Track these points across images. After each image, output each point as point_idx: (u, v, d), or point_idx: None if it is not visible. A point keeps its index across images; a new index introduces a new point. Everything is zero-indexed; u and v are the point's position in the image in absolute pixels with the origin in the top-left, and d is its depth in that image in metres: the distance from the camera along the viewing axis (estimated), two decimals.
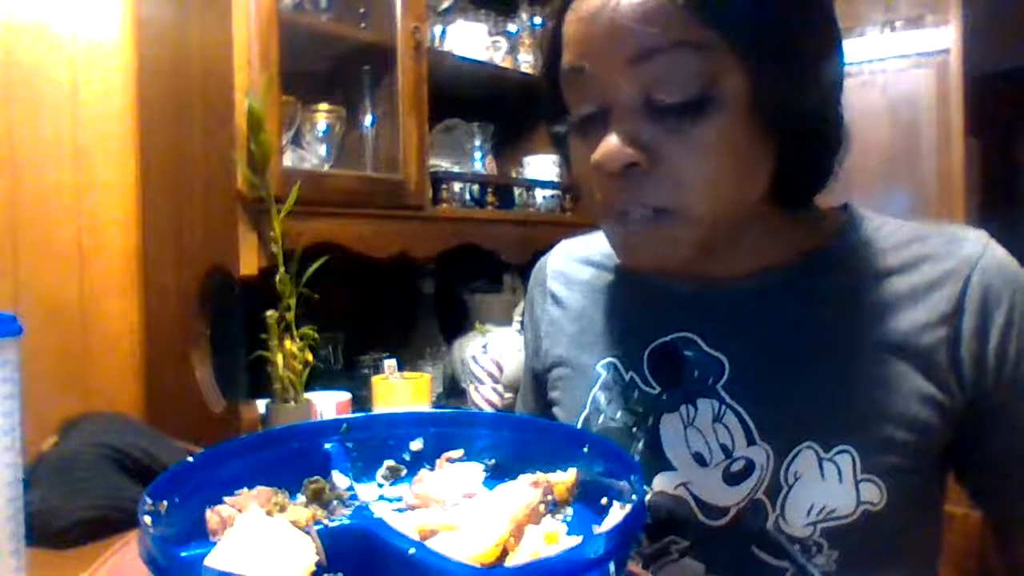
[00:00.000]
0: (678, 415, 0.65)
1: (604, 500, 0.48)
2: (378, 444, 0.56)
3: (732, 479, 0.62)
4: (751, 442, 0.62)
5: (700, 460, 0.64)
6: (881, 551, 0.61)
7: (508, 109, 1.95)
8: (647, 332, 0.69)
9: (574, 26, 0.57)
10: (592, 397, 0.71)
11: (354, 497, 0.48)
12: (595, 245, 0.80)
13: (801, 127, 0.58)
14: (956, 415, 0.61)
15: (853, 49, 2.27)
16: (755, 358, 0.64)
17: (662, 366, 0.68)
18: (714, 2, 0.52)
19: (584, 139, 0.59)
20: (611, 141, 0.55)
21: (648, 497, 0.65)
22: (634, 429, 0.67)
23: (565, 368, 0.76)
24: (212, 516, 0.45)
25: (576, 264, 0.80)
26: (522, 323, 1.73)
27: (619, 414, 0.68)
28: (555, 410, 0.76)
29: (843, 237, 0.65)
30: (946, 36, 2.23)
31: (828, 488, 0.59)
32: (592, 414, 0.70)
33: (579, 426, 0.71)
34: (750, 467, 0.61)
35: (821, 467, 0.59)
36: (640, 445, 0.66)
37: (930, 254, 0.62)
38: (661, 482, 0.65)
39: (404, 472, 0.56)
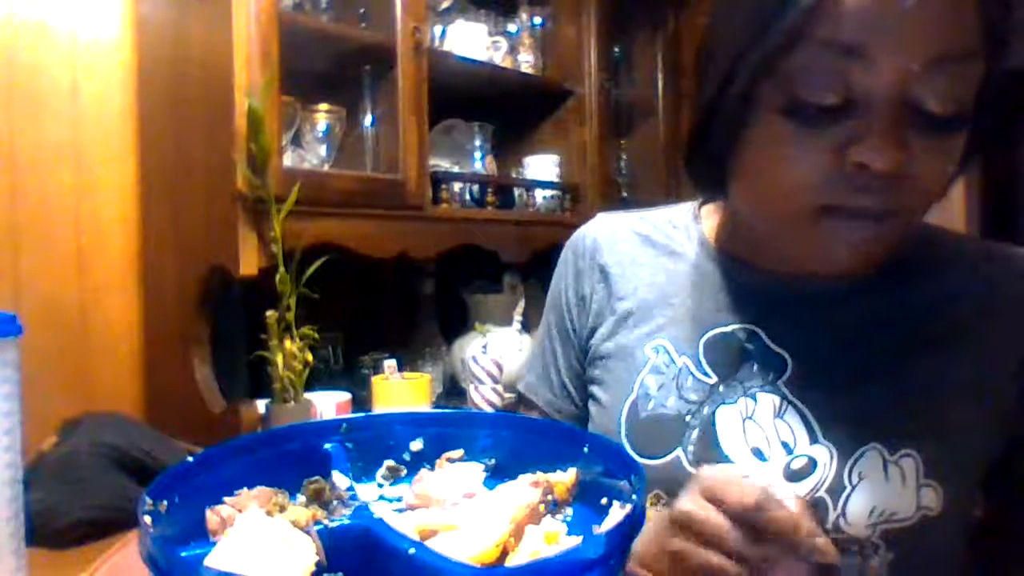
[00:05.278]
0: (736, 408, 0.65)
1: (604, 500, 0.48)
2: (378, 444, 0.56)
3: (793, 476, 0.62)
4: (814, 441, 0.62)
5: (759, 455, 0.63)
6: (933, 557, 0.62)
7: (508, 109, 1.95)
8: (704, 319, 0.68)
9: (863, 1, 0.50)
10: (640, 381, 0.69)
11: (354, 497, 0.48)
12: (648, 223, 0.77)
13: (979, 141, 0.59)
14: (1010, 431, 0.62)
15: None
16: (820, 359, 0.64)
17: (719, 356, 0.67)
18: (996, 12, 0.51)
19: (810, 128, 0.54)
20: (882, 139, 0.51)
21: None
22: (688, 418, 0.66)
23: (610, 345, 0.73)
24: (212, 516, 0.45)
25: (630, 241, 0.77)
26: (522, 319, 1.72)
27: (671, 401, 0.67)
28: (597, 391, 0.74)
29: (912, 245, 0.66)
30: None
31: (891, 490, 0.59)
32: (641, 399, 0.69)
33: (626, 411, 0.69)
34: (812, 465, 0.61)
35: (886, 469, 0.60)
36: (695, 435, 0.65)
37: (996, 273, 0.64)
38: None
39: (404, 472, 0.56)
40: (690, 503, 0.52)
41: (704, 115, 0.61)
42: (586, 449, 0.51)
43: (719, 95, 0.58)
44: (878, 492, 0.60)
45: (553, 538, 0.44)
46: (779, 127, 0.55)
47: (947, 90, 0.52)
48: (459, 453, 0.56)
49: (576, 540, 0.43)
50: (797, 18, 0.51)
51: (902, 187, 0.53)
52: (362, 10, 1.50)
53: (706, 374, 0.67)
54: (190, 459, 0.47)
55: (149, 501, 0.42)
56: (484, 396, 1.54)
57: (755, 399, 0.64)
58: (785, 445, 0.63)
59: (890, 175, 0.52)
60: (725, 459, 0.64)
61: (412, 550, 0.39)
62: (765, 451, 0.63)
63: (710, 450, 0.64)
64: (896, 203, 0.54)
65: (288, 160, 1.37)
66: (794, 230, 0.58)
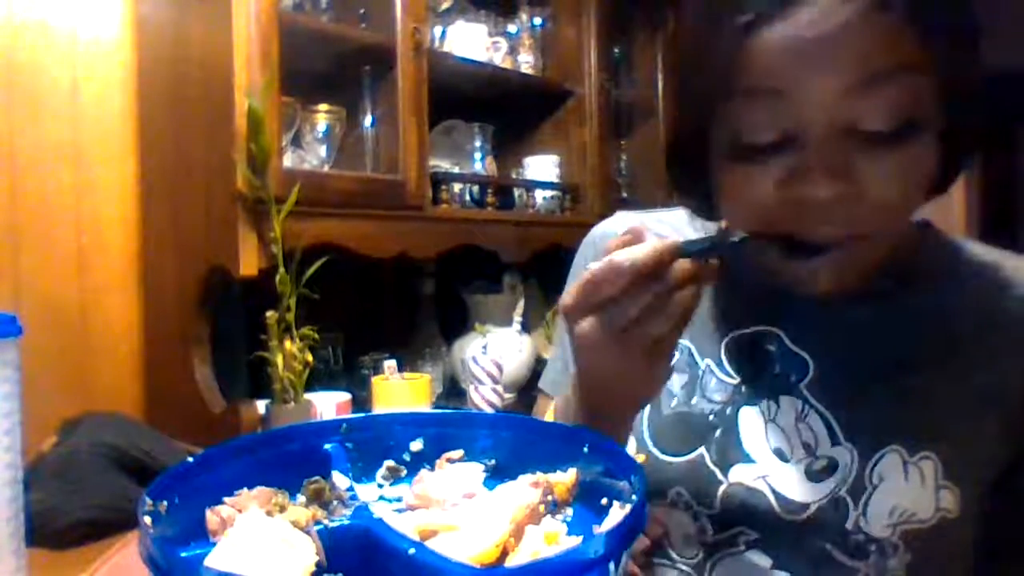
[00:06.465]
0: (758, 410, 0.65)
1: (604, 500, 0.48)
2: (378, 444, 0.56)
3: (814, 476, 0.62)
4: (835, 443, 0.62)
5: (781, 456, 0.64)
6: (949, 559, 0.62)
7: (508, 109, 1.95)
8: (726, 321, 0.69)
9: (775, 45, 0.51)
10: None
11: (354, 497, 0.48)
12: (667, 225, 0.78)
13: (967, 140, 0.59)
14: (1019, 439, 0.63)
15: None
16: (841, 362, 0.64)
17: (741, 358, 0.68)
18: (935, 19, 0.50)
19: (756, 165, 0.55)
20: (819, 171, 0.52)
21: (724, 488, 0.65)
22: (711, 417, 0.67)
23: None
24: (212, 516, 0.45)
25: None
26: (522, 319, 1.72)
27: (695, 400, 0.68)
28: None
29: (926, 251, 0.67)
30: None
31: (911, 491, 0.60)
32: (664, 397, 0.69)
33: (648, 408, 0.69)
34: (833, 466, 0.62)
35: (906, 470, 0.60)
36: (717, 434, 0.66)
37: (1010, 281, 0.65)
38: (738, 474, 0.64)
39: (404, 472, 0.56)
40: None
41: (672, 160, 0.64)
42: (586, 449, 0.51)
43: (680, 144, 0.61)
44: (898, 493, 0.60)
45: (553, 538, 0.44)
46: (731, 169, 0.57)
47: (883, 106, 0.51)
48: (459, 453, 0.56)
49: (576, 540, 0.43)
50: (720, 71, 0.53)
51: (855, 209, 0.53)
52: (362, 10, 1.50)
53: (728, 375, 0.67)
54: (190, 459, 0.47)
55: (149, 501, 0.42)
56: (484, 396, 1.54)
57: (777, 402, 0.65)
58: (807, 447, 0.63)
59: (838, 202, 0.52)
60: (747, 458, 0.65)
61: (412, 550, 0.39)
62: (787, 452, 0.64)
63: (732, 449, 0.65)
64: (853, 225, 0.54)
65: (288, 160, 1.37)
66: (769, 258, 0.59)
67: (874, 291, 0.65)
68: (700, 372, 0.68)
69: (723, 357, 0.68)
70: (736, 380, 0.67)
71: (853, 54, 0.50)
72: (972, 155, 0.62)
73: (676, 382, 0.69)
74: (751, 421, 0.65)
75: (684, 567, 0.67)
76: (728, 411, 0.66)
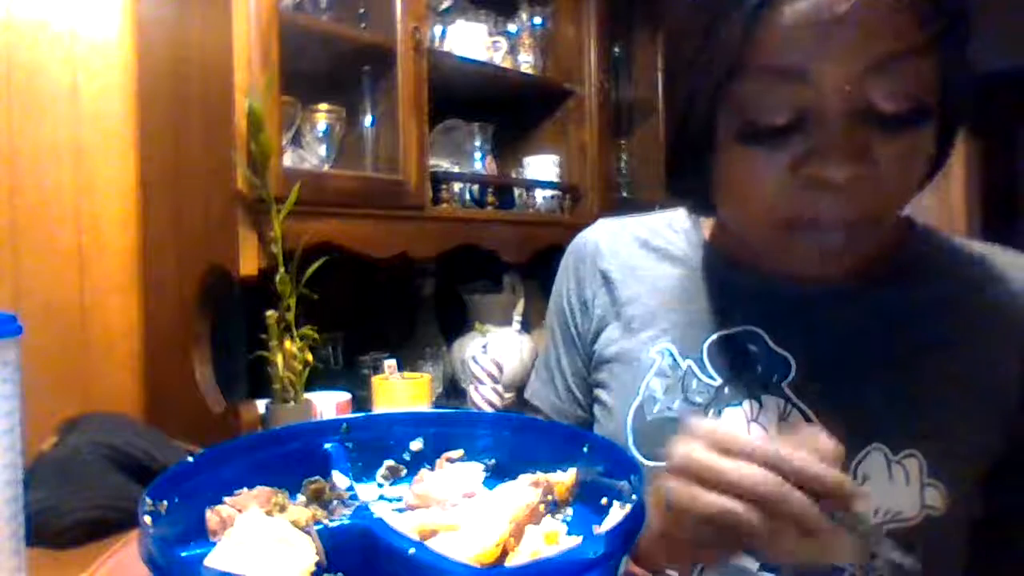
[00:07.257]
0: (741, 410, 0.65)
1: (604, 500, 0.48)
2: (378, 444, 0.56)
3: None
4: None
5: None
6: (937, 556, 0.62)
7: (508, 109, 1.95)
8: (708, 322, 0.69)
9: (794, 23, 0.50)
10: (646, 384, 0.70)
11: (354, 497, 0.48)
12: (648, 228, 0.78)
13: (957, 125, 0.59)
14: (1013, 432, 0.63)
15: None
16: (823, 360, 0.64)
17: (724, 358, 0.67)
18: (939, 3, 0.51)
19: (768, 147, 0.55)
20: (836, 152, 0.52)
21: None
22: None
23: (614, 349, 0.74)
24: (212, 516, 0.45)
25: (630, 246, 0.77)
26: (522, 319, 1.72)
27: (677, 403, 0.68)
28: (602, 395, 0.74)
29: (912, 248, 0.67)
30: None
31: (895, 490, 0.60)
32: (647, 401, 0.69)
33: (632, 414, 0.70)
34: None
35: (889, 469, 0.60)
36: None
37: (996, 276, 0.65)
38: None
39: (404, 472, 0.56)
40: (690, 447, 0.49)
41: (673, 142, 0.62)
42: (586, 449, 0.51)
43: (683, 125, 0.59)
44: (882, 492, 0.60)
45: (553, 538, 0.44)
46: (740, 151, 0.56)
47: (896, 88, 0.52)
48: (459, 453, 0.56)
49: (576, 540, 0.43)
50: (732, 49, 0.52)
51: (867, 191, 0.53)
52: (362, 10, 1.50)
53: (711, 376, 0.67)
54: (190, 459, 0.47)
55: (149, 501, 0.42)
56: (484, 396, 1.54)
57: (760, 402, 0.65)
58: None
59: (854, 184, 0.52)
60: None
61: (412, 550, 0.39)
62: None
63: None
64: (864, 207, 0.54)
65: (288, 160, 1.37)
66: (771, 241, 0.59)
67: (858, 286, 0.65)
68: (682, 374, 0.68)
69: (705, 359, 0.68)
70: (719, 381, 0.67)
71: (872, 35, 0.50)
72: (955, 139, 0.62)
73: (659, 386, 0.69)
74: (734, 422, 0.65)
75: (672, 571, 0.67)
76: (710, 413, 0.66)
